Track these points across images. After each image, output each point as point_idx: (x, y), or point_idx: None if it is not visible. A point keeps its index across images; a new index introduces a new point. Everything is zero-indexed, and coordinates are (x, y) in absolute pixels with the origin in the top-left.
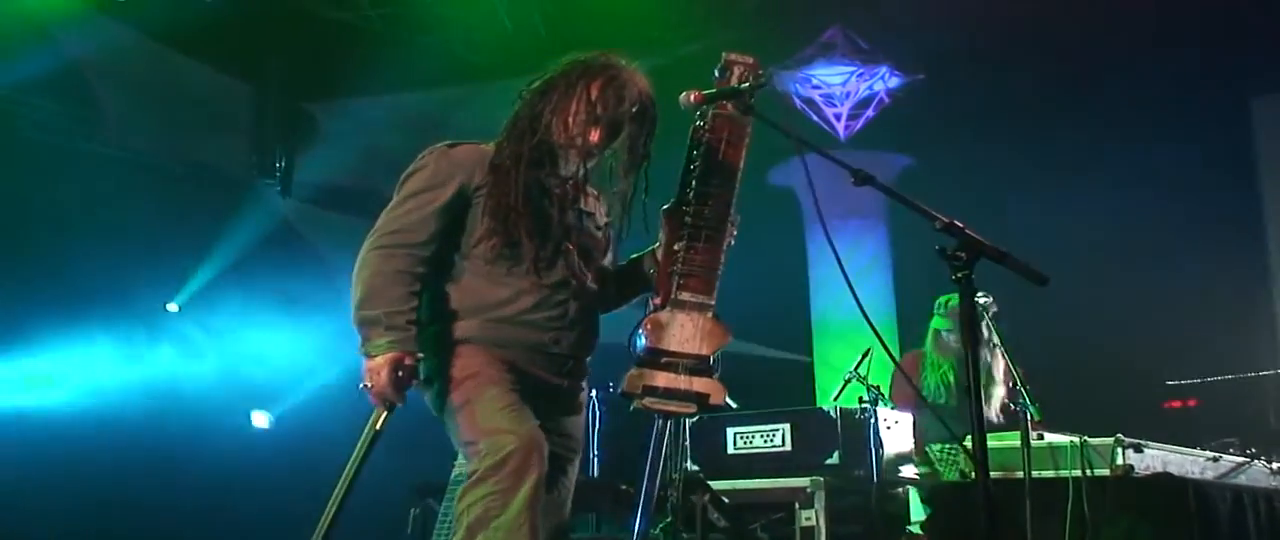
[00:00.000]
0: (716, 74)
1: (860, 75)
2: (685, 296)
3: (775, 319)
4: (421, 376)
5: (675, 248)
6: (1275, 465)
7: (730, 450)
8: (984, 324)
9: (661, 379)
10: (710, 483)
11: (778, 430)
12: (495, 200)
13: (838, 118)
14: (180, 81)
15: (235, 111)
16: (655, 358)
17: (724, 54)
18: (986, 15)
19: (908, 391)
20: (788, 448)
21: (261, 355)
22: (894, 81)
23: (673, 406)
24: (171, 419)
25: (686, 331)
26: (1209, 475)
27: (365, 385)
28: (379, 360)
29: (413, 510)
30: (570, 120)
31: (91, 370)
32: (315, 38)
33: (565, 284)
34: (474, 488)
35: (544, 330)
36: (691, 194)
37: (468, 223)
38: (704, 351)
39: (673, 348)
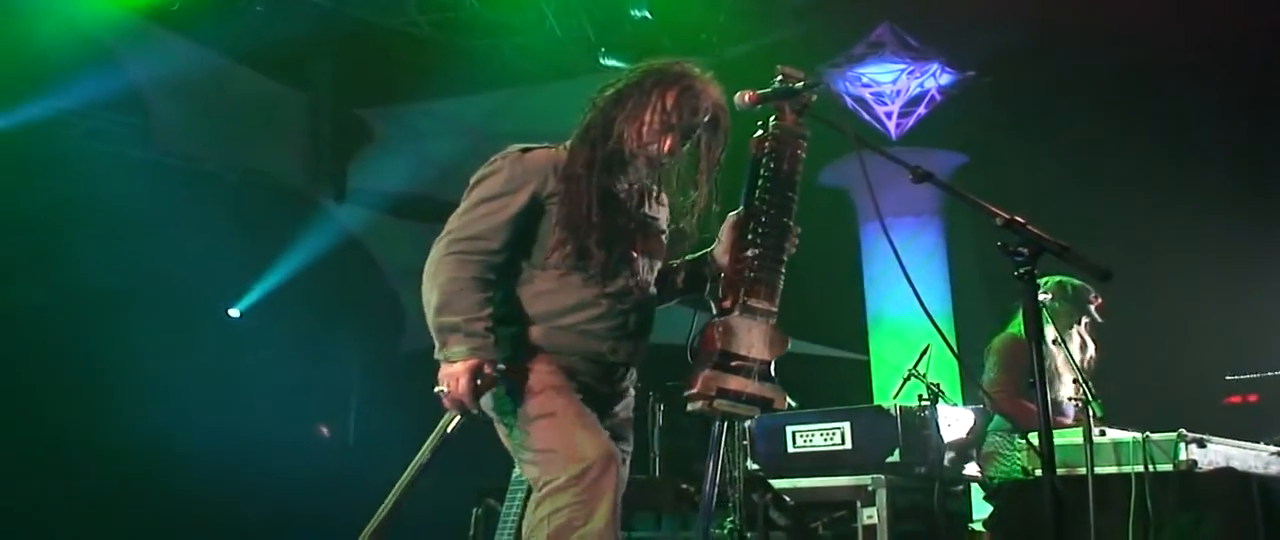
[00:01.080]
0: (807, 83)
1: (911, 73)
2: (754, 303)
3: (831, 318)
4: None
5: (746, 253)
6: None
7: (791, 449)
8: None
9: (734, 383)
10: (771, 482)
11: (838, 429)
12: (567, 209)
13: (889, 116)
14: (233, 90)
15: (288, 119)
16: (727, 361)
17: (778, 68)
18: (1040, 10)
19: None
20: (848, 446)
21: (319, 363)
22: (946, 78)
23: (742, 410)
24: (235, 429)
25: (754, 337)
26: (1273, 470)
27: (441, 389)
28: (458, 367)
29: (475, 511)
30: (644, 129)
31: (150, 379)
32: (366, 45)
33: (628, 293)
34: (553, 496)
35: (603, 339)
36: (758, 202)
37: (538, 230)
38: (769, 357)
39: (743, 352)
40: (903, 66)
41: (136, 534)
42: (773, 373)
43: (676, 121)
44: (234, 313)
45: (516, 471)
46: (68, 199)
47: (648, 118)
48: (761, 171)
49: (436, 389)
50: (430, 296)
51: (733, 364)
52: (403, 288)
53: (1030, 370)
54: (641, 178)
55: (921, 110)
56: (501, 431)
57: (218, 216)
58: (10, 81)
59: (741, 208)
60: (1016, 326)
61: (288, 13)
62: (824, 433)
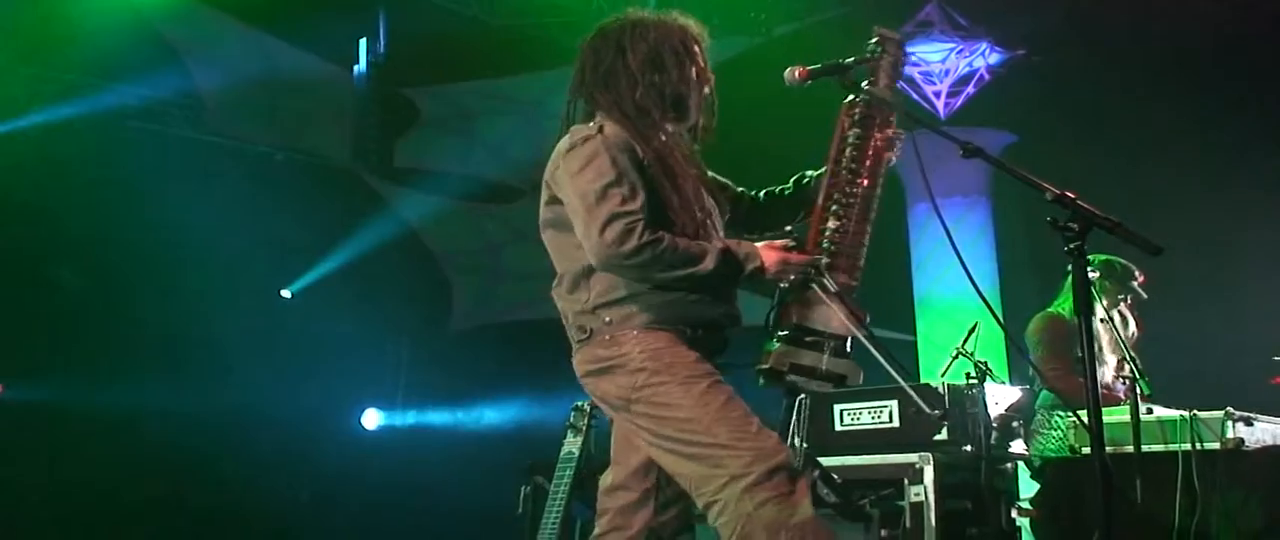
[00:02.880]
0: (870, 52)
1: (960, 52)
2: (833, 277)
3: (879, 297)
4: (615, 363)
5: (828, 224)
6: None
7: (838, 427)
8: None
9: (808, 358)
10: (820, 459)
11: (886, 407)
12: (661, 178)
13: (938, 95)
14: (279, 67)
15: (336, 98)
16: (801, 336)
17: (875, 29)
18: None
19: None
20: (896, 424)
21: (366, 343)
22: (995, 58)
23: (815, 385)
24: (283, 415)
25: (831, 312)
26: None
27: (775, 274)
28: (760, 254)
29: (524, 488)
30: (671, 83)
31: (203, 356)
32: (414, 24)
33: None
34: (751, 492)
35: (713, 305)
36: (845, 171)
37: (653, 206)
38: (845, 333)
39: (819, 327)
40: (951, 45)
41: (180, 506)
42: (848, 348)
43: (692, 62)
44: (286, 293)
45: (566, 449)
46: (119, 179)
47: (667, 70)
48: (850, 140)
49: (779, 282)
50: (665, 278)
51: (808, 339)
52: (450, 267)
53: (1074, 347)
54: (681, 134)
55: (970, 90)
56: (646, 424)
57: (268, 196)
58: (63, 64)
59: (825, 171)
60: (1058, 304)
61: None
62: (872, 410)
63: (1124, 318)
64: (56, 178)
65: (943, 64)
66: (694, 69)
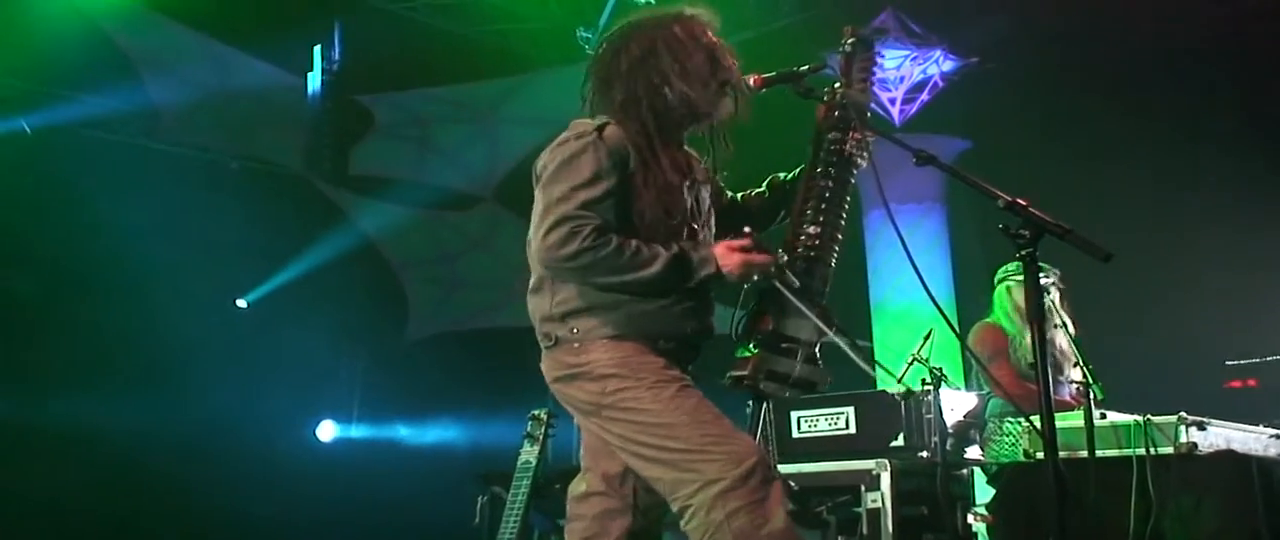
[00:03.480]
0: (842, 53)
1: (914, 59)
2: (809, 283)
3: (834, 304)
4: (582, 370)
5: (807, 229)
6: None
7: (795, 434)
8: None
9: (783, 364)
10: (776, 466)
11: (842, 413)
12: (647, 186)
13: (893, 102)
14: (233, 75)
15: (290, 106)
16: (777, 342)
17: (844, 29)
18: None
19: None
20: (852, 430)
21: (322, 352)
22: (949, 65)
23: (787, 392)
24: (237, 427)
25: (803, 318)
26: (1273, 452)
27: (738, 276)
28: (718, 257)
29: (480, 498)
30: (679, 86)
31: (154, 367)
32: (368, 31)
33: None
34: (726, 498)
35: (686, 319)
36: (822, 177)
37: (621, 210)
38: (817, 339)
39: (793, 333)
40: (906, 52)
41: (134, 521)
42: (818, 355)
43: (709, 69)
44: (242, 303)
45: (523, 458)
46: (71, 187)
47: (678, 72)
48: (827, 145)
49: (739, 281)
50: (608, 282)
51: (783, 346)
52: (406, 275)
53: (1013, 353)
54: (684, 140)
55: (924, 97)
56: (617, 430)
57: (221, 205)
58: (15, 71)
59: (803, 173)
60: (994, 314)
61: None
62: (828, 417)
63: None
64: (7, 186)
65: (898, 71)
66: (700, 61)
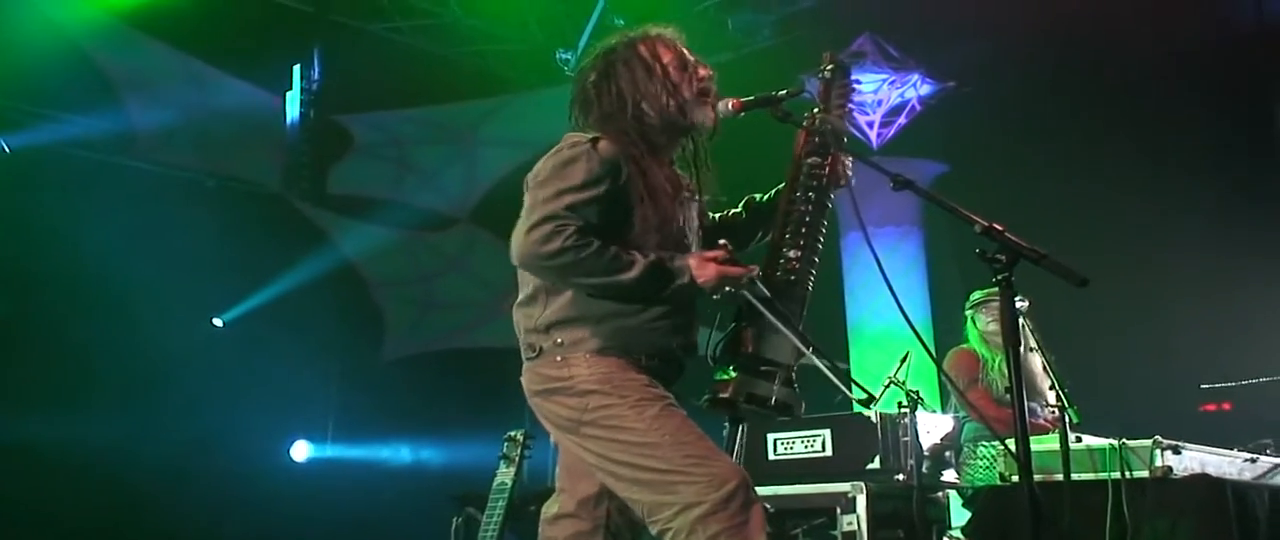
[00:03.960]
0: (821, 77)
1: (892, 82)
2: (787, 306)
3: (811, 326)
4: (563, 385)
5: (787, 254)
6: None
7: (771, 456)
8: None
9: (763, 388)
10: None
11: (819, 436)
12: (639, 200)
13: (870, 125)
14: (213, 95)
15: (268, 125)
16: (757, 365)
17: (825, 54)
18: (1020, 23)
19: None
20: (829, 453)
21: (297, 372)
22: (926, 88)
23: (765, 415)
24: (210, 446)
25: (783, 341)
26: (1247, 476)
27: (712, 287)
28: (693, 267)
29: (455, 520)
30: (670, 98)
31: (128, 386)
32: (348, 51)
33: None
34: (706, 523)
35: (671, 335)
36: (803, 202)
37: (610, 224)
38: (794, 362)
39: (772, 357)
40: (884, 76)
41: (109, 536)
42: (794, 379)
43: (691, 82)
44: (218, 322)
45: (498, 479)
46: (48, 205)
47: (653, 88)
48: (807, 170)
49: (714, 295)
50: (585, 284)
51: (763, 368)
52: (382, 295)
53: (986, 377)
54: (673, 159)
55: (902, 120)
56: (595, 447)
57: (197, 223)
58: None
59: (779, 194)
60: (969, 339)
61: (268, 17)
62: (805, 440)
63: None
64: None
65: (875, 94)
66: (673, 75)
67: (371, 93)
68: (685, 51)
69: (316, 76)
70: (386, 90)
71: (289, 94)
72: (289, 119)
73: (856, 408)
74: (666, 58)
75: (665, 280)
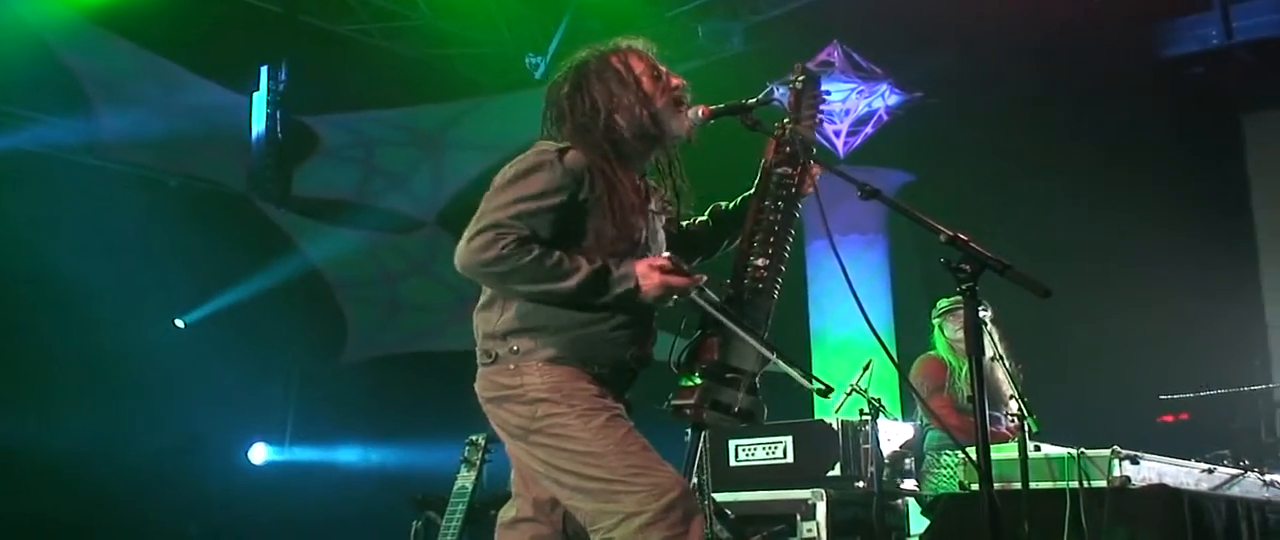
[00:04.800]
0: (791, 86)
1: (860, 92)
2: (751, 314)
3: (774, 333)
4: (514, 393)
5: (756, 262)
6: (1268, 477)
7: (733, 462)
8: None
9: (727, 395)
10: (714, 494)
11: (780, 442)
12: (603, 212)
13: (838, 134)
14: (179, 95)
15: (234, 125)
16: (722, 373)
17: (795, 65)
18: (988, 34)
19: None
20: (790, 460)
21: (255, 379)
22: (893, 99)
23: (727, 423)
24: (167, 447)
25: (748, 349)
26: (1204, 487)
27: (654, 295)
28: (639, 277)
29: (414, 523)
30: (642, 110)
31: (90, 385)
32: (316, 51)
33: None
34: (646, 532)
35: (625, 346)
36: (773, 212)
37: (568, 233)
38: (758, 369)
39: (737, 364)
40: (852, 86)
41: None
42: (757, 386)
43: (663, 92)
44: (180, 323)
45: (459, 483)
46: (9, 204)
47: (625, 98)
48: (778, 179)
49: (657, 301)
50: (524, 290)
51: (727, 376)
52: (345, 297)
53: (954, 385)
54: (644, 165)
55: (869, 130)
56: (542, 455)
57: (160, 223)
58: None
59: (746, 202)
60: (936, 347)
61: (236, 17)
62: (766, 446)
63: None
64: None
65: (843, 104)
66: (646, 85)
67: (339, 94)
68: (657, 62)
69: (283, 76)
70: (354, 92)
71: (256, 94)
72: (255, 119)
73: (820, 413)
74: (639, 68)
75: (606, 287)
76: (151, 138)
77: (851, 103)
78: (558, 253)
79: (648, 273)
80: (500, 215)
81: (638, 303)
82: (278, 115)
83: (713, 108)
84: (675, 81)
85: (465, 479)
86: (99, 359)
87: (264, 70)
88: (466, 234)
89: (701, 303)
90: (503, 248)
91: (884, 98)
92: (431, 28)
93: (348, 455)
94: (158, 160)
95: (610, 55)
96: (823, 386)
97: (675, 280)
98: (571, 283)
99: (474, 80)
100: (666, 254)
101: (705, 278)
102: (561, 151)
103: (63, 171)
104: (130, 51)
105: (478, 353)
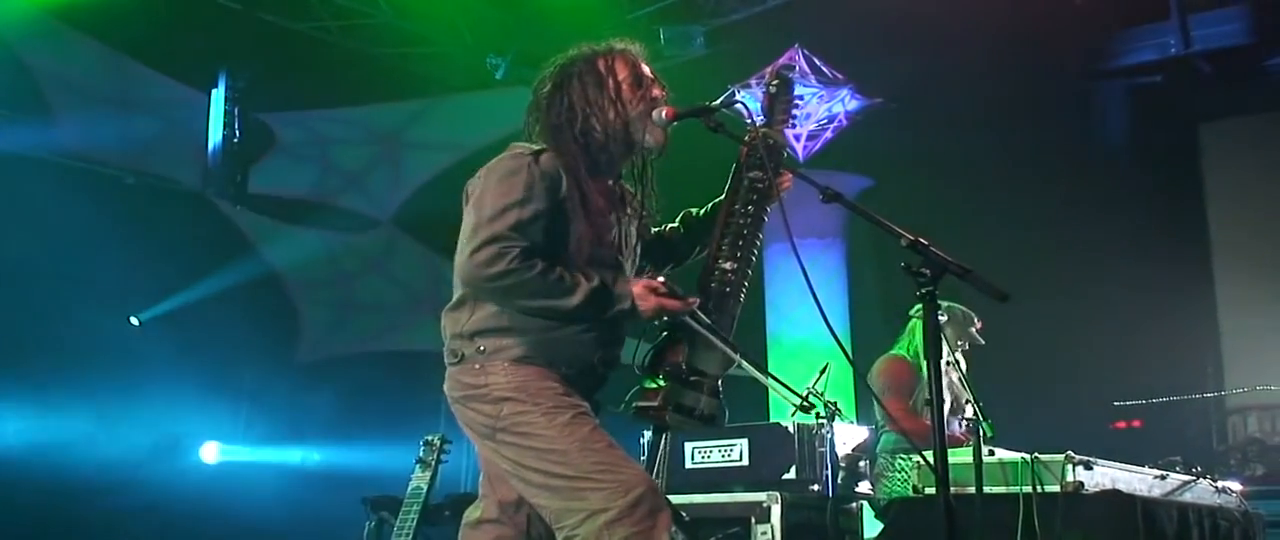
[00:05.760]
0: (767, 90)
1: (822, 97)
2: (718, 318)
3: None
4: (480, 392)
5: (723, 266)
6: (1219, 483)
7: (688, 464)
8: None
9: (690, 397)
10: (669, 497)
11: (736, 445)
12: (577, 213)
13: (798, 138)
14: (135, 90)
15: (191, 122)
16: (686, 375)
17: (769, 70)
18: (947, 41)
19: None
20: (746, 462)
21: (216, 380)
22: (854, 104)
23: (690, 425)
24: (116, 446)
25: (712, 352)
26: (1156, 493)
27: (650, 316)
28: (635, 298)
29: (367, 524)
30: (618, 114)
31: (38, 390)
32: (274, 49)
33: None
34: (611, 529)
35: (594, 348)
36: (744, 216)
37: (547, 235)
38: (721, 372)
39: (702, 367)
40: (813, 90)
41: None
42: (719, 389)
43: (641, 100)
44: (135, 321)
45: (414, 484)
46: None
47: (604, 103)
48: (748, 183)
49: (650, 319)
50: (528, 305)
51: (691, 379)
52: (300, 296)
53: (915, 389)
54: (618, 170)
55: (829, 134)
56: (509, 453)
57: (117, 220)
58: None
59: (716, 209)
60: (900, 347)
61: (194, 14)
62: (722, 449)
63: (960, 361)
64: None
65: (804, 108)
66: (627, 92)
67: (298, 92)
68: (643, 69)
69: (241, 74)
70: (313, 90)
71: (214, 92)
72: (213, 117)
73: (775, 415)
74: (622, 74)
75: (607, 306)
76: (108, 135)
77: (813, 107)
78: (558, 268)
79: (644, 295)
80: (498, 227)
81: (633, 320)
82: (236, 113)
83: (676, 109)
84: (657, 92)
85: (420, 479)
86: (51, 356)
87: (222, 68)
88: (467, 247)
89: (693, 324)
90: (509, 263)
91: (845, 103)
92: (391, 26)
93: (301, 455)
94: (115, 157)
95: (596, 57)
96: (802, 400)
97: (669, 303)
98: (574, 300)
99: (434, 79)
100: (661, 277)
101: (697, 301)
102: (536, 154)
103: (18, 168)
104: (88, 47)
105: (445, 353)
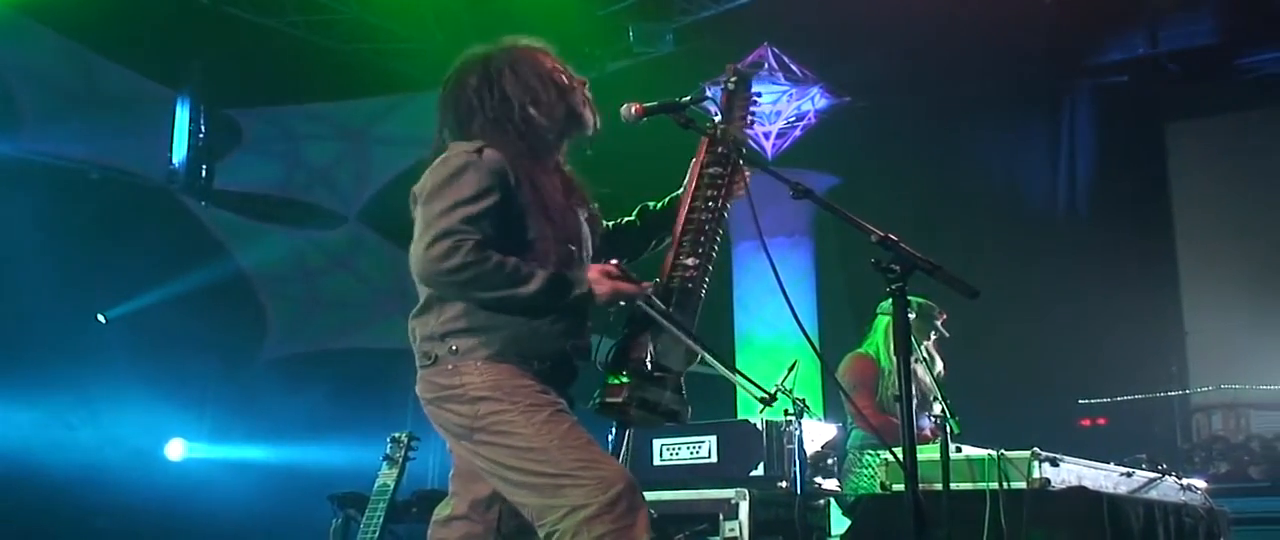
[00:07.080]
0: (725, 88)
1: (791, 95)
2: (681, 316)
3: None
4: (455, 392)
5: (686, 262)
6: (1184, 481)
7: (657, 461)
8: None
9: (653, 393)
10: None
11: (704, 442)
12: (528, 207)
13: (767, 136)
14: (101, 85)
15: (157, 117)
16: (651, 371)
17: (728, 67)
18: (916, 40)
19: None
20: (714, 459)
21: (180, 377)
22: (824, 102)
23: (653, 421)
24: (80, 441)
25: (675, 347)
26: (1122, 489)
27: (606, 301)
28: (592, 281)
29: (333, 521)
30: (553, 102)
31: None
32: (240, 43)
33: None
34: (591, 524)
35: (563, 338)
36: (705, 211)
37: (501, 230)
38: (683, 369)
39: (664, 362)
40: (783, 89)
41: None
42: (682, 385)
43: (562, 84)
44: (102, 318)
45: (380, 481)
46: None
47: (535, 91)
48: (709, 179)
49: (610, 307)
50: (486, 297)
51: (655, 374)
52: (266, 292)
53: (879, 385)
54: (562, 162)
55: (797, 133)
56: (487, 453)
57: (80, 215)
58: None
59: (673, 202)
60: (867, 344)
61: (162, 9)
62: (690, 445)
63: (931, 357)
64: None
65: (773, 106)
66: (552, 79)
67: (265, 87)
68: (559, 60)
69: (208, 69)
70: (281, 85)
71: (180, 88)
72: (179, 112)
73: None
74: (550, 64)
75: (564, 293)
76: (74, 130)
77: (782, 105)
78: (513, 259)
79: (599, 279)
80: (448, 222)
81: (591, 306)
82: (202, 109)
83: (646, 105)
84: (578, 80)
85: (387, 477)
86: (15, 354)
87: (189, 62)
88: (420, 243)
89: (648, 310)
90: (464, 255)
91: (814, 101)
92: (360, 22)
93: (267, 452)
94: (79, 152)
95: (518, 50)
96: (766, 395)
97: (625, 286)
98: (531, 287)
99: (402, 75)
100: (614, 261)
101: (651, 286)
102: (478, 150)
103: None
104: (52, 40)
105: (416, 356)
